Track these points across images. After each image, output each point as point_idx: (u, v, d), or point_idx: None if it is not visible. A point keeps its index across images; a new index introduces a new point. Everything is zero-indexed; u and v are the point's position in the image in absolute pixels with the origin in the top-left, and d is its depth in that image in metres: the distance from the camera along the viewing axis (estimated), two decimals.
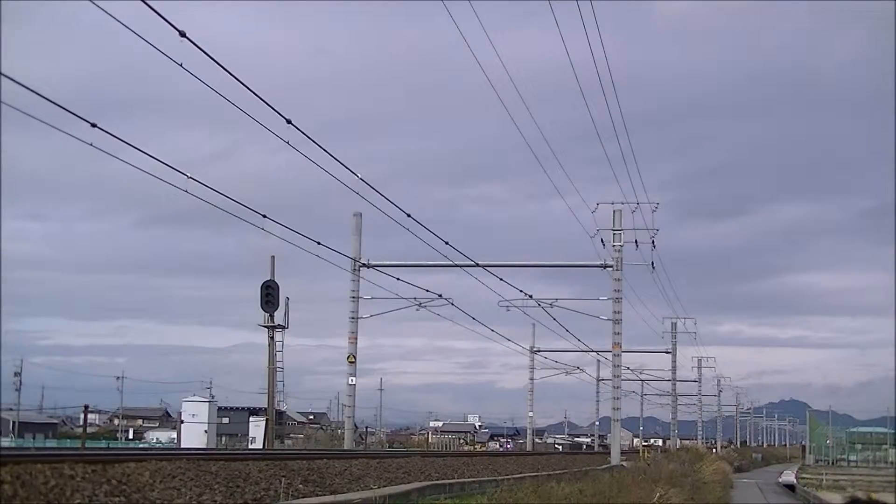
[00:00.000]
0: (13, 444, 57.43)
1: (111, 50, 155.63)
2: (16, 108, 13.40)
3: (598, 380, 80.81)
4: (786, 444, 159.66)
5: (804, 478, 57.42)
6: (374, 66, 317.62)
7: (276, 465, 18.35)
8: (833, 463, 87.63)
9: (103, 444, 62.17)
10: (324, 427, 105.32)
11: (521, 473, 27.37)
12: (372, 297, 39.40)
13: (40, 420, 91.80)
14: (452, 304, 39.48)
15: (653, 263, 43.72)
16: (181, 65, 15.51)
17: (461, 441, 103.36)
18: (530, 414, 75.76)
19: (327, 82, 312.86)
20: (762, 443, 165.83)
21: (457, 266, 36.33)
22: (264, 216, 24.18)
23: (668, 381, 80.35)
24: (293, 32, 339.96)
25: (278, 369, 39.04)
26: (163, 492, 13.43)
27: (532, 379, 72.48)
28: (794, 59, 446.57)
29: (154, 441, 79.77)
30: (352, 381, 38.40)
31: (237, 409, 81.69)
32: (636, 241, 41.73)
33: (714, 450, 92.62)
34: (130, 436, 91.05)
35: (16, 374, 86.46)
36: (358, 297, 38.74)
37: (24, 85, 13.45)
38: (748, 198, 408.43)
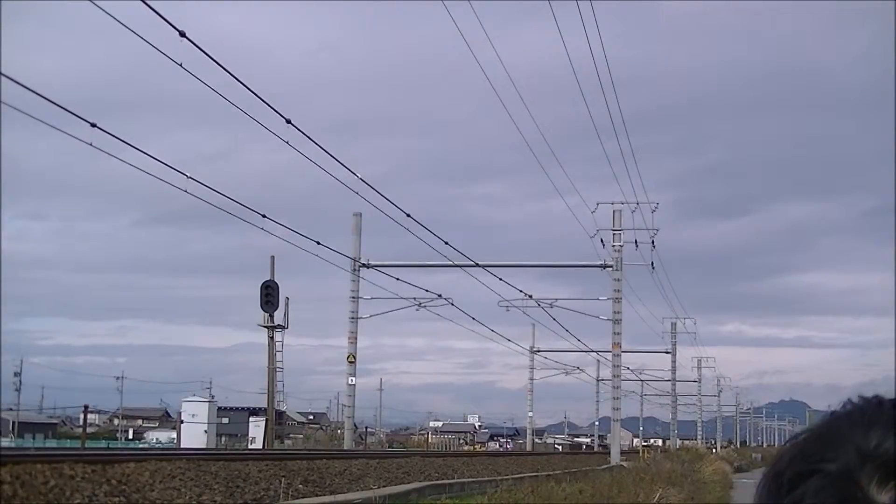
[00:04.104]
0: (13, 445, 57.38)
1: (112, 50, 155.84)
2: (17, 109, 13.41)
3: (598, 380, 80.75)
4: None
5: None
6: (374, 65, 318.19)
7: (276, 465, 18.35)
8: None
9: (103, 444, 62.15)
10: (323, 427, 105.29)
11: (520, 474, 27.36)
12: (372, 298, 39.40)
13: (40, 420, 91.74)
14: (452, 305, 39.52)
15: (653, 263, 43.75)
16: (181, 65, 15.52)
17: (461, 441, 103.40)
18: (530, 414, 75.79)
19: (328, 81, 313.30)
20: (762, 443, 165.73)
21: (457, 266, 36.31)
22: (264, 216, 24.22)
23: (668, 381, 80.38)
24: (294, 31, 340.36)
25: (278, 369, 39.07)
26: (163, 492, 13.43)
27: (532, 379, 72.52)
28: (797, 57, 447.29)
29: (154, 441, 79.72)
30: (351, 381, 38.39)
31: (237, 409, 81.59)
32: (636, 242, 41.77)
33: (714, 450, 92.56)
34: (130, 436, 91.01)
35: (16, 374, 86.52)
36: (358, 298, 38.71)
37: (24, 85, 13.46)
38: (751, 197, 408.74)
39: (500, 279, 38.44)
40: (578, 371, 74.96)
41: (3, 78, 12.88)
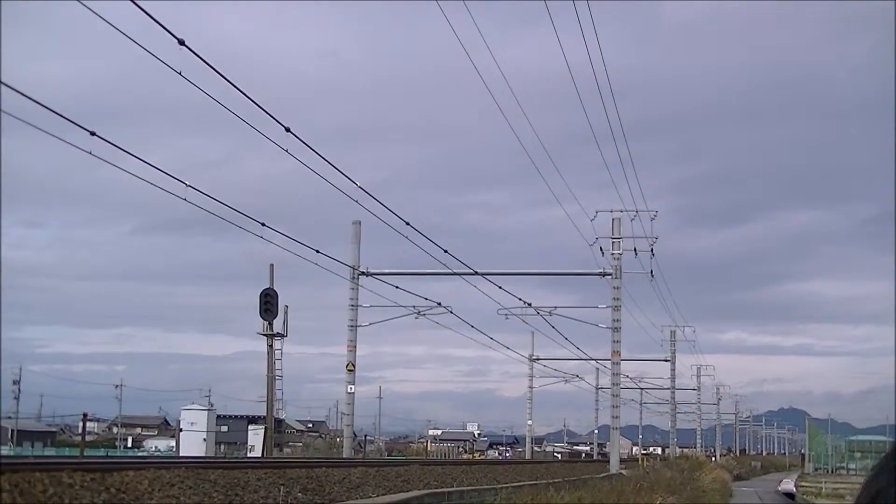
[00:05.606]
0: (12, 453, 57.33)
1: (111, 58, 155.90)
2: (16, 117, 13.43)
3: (598, 388, 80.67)
4: (785, 453, 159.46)
5: (803, 486, 57.25)
6: (374, 73, 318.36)
7: (275, 473, 18.32)
8: (832, 471, 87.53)
9: (102, 452, 62.06)
10: (322, 435, 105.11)
11: (519, 482, 27.31)
12: (371, 306, 39.38)
13: (39, 428, 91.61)
14: (452, 313, 39.51)
15: (652, 272, 43.72)
16: (180, 73, 15.53)
17: (460, 449, 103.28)
18: (529, 422, 75.71)
19: (328, 88, 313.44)
20: (761, 451, 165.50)
21: (456, 274, 36.33)
22: (263, 224, 24.23)
23: (668, 389, 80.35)
24: (294, 38, 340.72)
25: (277, 377, 38.99)
26: (161, 500, 13.42)
27: (531, 387, 72.48)
28: (797, 65, 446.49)
29: (153, 449, 79.65)
30: (350, 389, 38.37)
31: (236, 417, 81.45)
32: (635, 250, 41.70)
33: (713, 458, 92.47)
34: (129, 444, 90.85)
35: (15, 382, 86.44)
36: (357, 306, 38.70)
37: (23, 94, 13.48)
38: (751, 205, 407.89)
39: (500, 287, 38.48)
40: (578, 379, 74.97)
41: (2, 86, 12.90)
